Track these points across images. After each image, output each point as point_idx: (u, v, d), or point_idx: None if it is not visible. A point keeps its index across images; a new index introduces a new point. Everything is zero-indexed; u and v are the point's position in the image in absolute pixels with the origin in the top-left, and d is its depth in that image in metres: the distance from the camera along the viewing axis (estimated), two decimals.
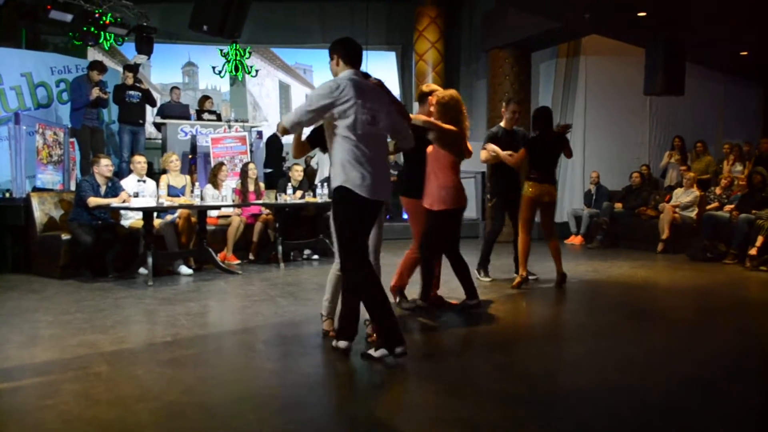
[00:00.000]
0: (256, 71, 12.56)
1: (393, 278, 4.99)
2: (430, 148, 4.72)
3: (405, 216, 10.37)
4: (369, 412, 2.95)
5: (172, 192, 7.03)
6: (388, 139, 3.83)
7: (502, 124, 6.36)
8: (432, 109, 4.74)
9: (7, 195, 7.34)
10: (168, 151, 8.27)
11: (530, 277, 6.17)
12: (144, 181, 6.87)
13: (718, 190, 8.96)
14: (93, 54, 11.65)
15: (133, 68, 9.52)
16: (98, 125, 8.89)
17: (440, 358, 3.91)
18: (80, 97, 8.59)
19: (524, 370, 3.58)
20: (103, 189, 6.53)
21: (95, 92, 8.47)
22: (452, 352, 4.06)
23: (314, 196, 7.94)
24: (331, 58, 3.68)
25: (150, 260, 6.06)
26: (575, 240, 10.13)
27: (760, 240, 7.30)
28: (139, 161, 7.00)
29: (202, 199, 6.92)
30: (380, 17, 13.32)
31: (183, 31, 10.26)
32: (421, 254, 4.80)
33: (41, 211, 6.77)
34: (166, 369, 3.47)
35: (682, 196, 9.07)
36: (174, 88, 10.46)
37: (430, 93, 4.82)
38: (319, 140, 3.87)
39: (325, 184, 7.98)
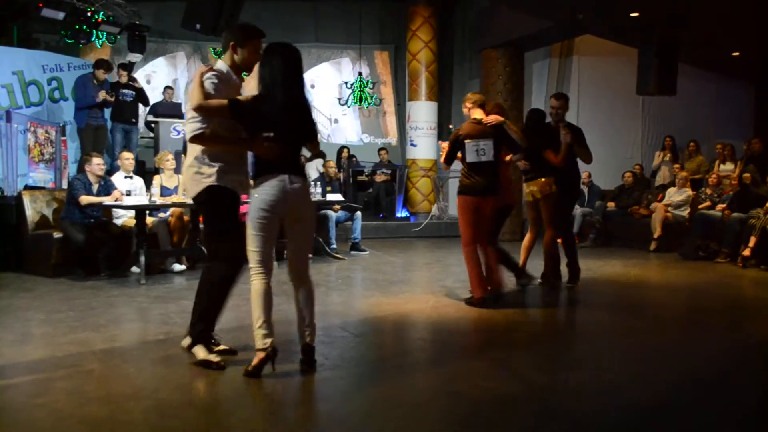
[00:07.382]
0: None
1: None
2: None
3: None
4: (363, 410, 2.95)
5: (165, 193, 6.99)
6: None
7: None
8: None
9: None
10: (161, 150, 8.23)
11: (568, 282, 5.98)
12: (131, 177, 6.87)
13: (708, 190, 8.99)
14: (100, 53, 11.45)
15: (126, 66, 9.50)
16: (102, 123, 8.99)
17: (434, 358, 3.91)
18: (85, 97, 8.66)
19: (518, 368, 3.59)
20: (95, 187, 6.50)
21: (102, 95, 8.58)
22: (446, 352, 4.06)
23: None
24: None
25: (142, 258, 6.04)
26: None
27: (752, 241, 7.32)
28: (128, 158, 7.05)
29: None
30: (373, 16, 13.28)
31: (175, 30, 10.22)
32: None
33: (33, 209, 6.73)
34: (158, 367, 3.46)
35: (675, 195, 9.10)
36: (167, 87, 10.41)
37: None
38: None
39: (318, 183, 7.97)
